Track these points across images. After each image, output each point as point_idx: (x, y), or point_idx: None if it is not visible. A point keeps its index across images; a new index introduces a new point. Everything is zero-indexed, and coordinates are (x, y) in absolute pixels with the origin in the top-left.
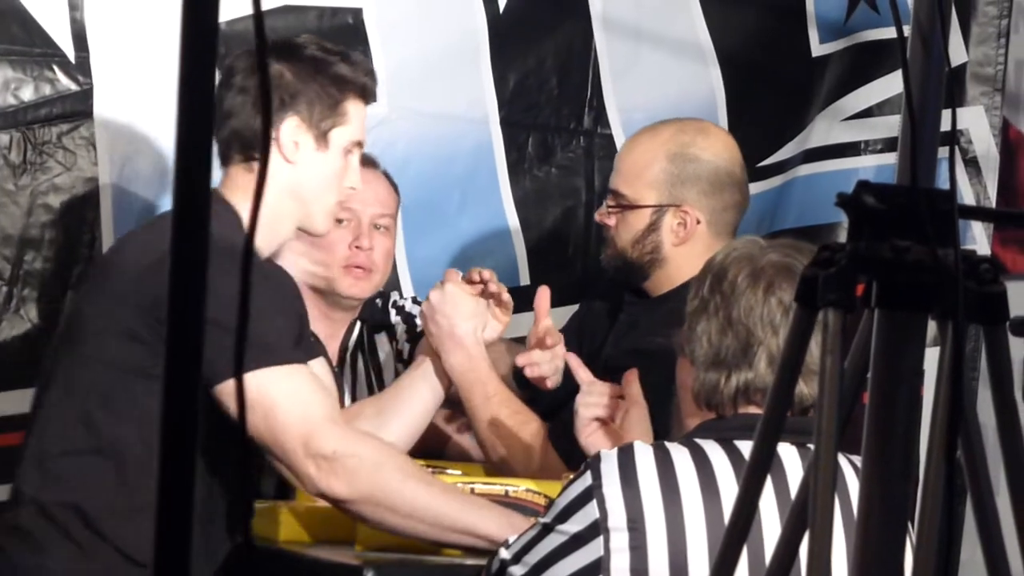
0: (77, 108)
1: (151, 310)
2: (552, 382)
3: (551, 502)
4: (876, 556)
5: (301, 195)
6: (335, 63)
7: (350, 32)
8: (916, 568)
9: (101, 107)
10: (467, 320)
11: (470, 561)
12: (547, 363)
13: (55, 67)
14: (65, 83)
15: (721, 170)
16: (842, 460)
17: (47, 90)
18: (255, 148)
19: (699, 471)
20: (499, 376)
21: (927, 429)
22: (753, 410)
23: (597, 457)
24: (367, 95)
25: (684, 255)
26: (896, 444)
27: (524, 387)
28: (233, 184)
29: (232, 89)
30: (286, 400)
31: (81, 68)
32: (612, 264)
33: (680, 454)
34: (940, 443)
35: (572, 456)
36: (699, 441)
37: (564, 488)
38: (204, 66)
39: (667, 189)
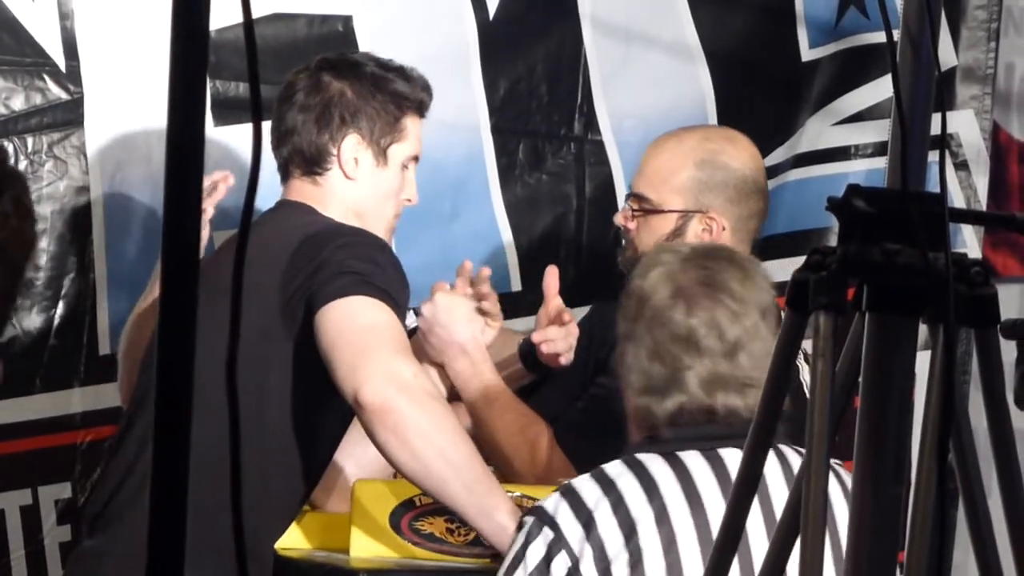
0: (68, 117)
1: None
2: (565, 359)
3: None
4: (869, 559)
5: (362, 211)
6: (394, 80)
7: (340, 39)
8: (909, 571)
9: (92, 116)
10: (465, 325)
11: (465, 565)
12: (562, 340)
13: (46, 76)
14: (56, 92)
15: (748, 179)
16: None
17: (38, 99)
18: (317, 164)
19: (645, 489)
20: (506, 365)
21: (919, 432)
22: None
23: (542, 511)
24: (424, 110)
25: None
26: (888, 447)
27: (533, 368)
28: (299, 196)
29: (294, 107)
30: (381, 326)
31: (72, 77)
32: (631, 266)
33: (625, 477)
34: (932, 446)
35: (578, 455)
36: (640, 457)
37: (513, 554)
38: (195, 74)
39: (694, 195)
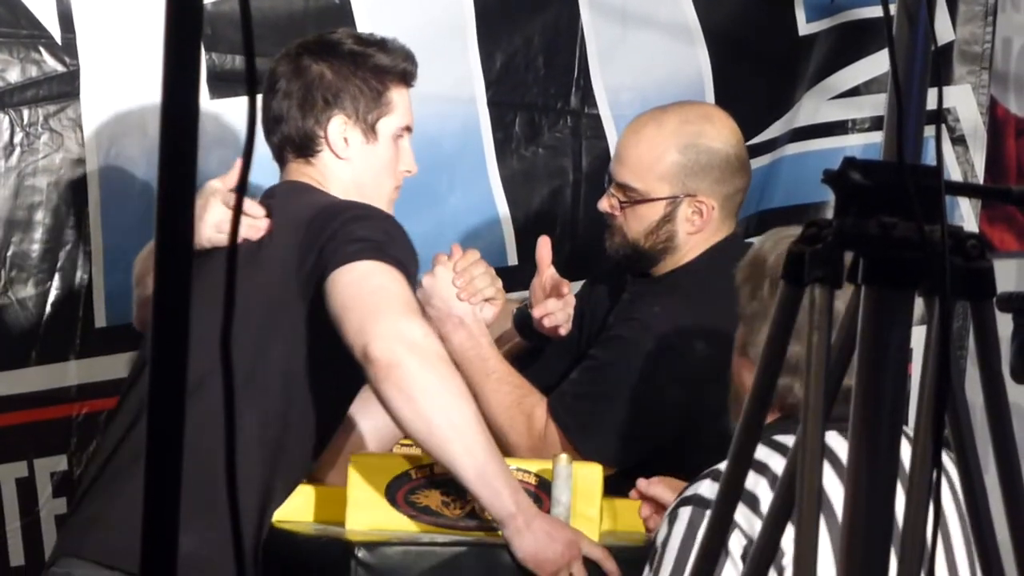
0: (64, 89)
1: None
2: (565, 330)
3: None
4: (865, 531)
5: (361, 188)
6: (373, 54)
7: (336, 12)
8: (904, 546)
9: (88, 88)
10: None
11: (460, 538)
12: (561, 311)
13: (42, 49)
14: (52, 64)
15: (731, 156)
16: (840, 439)
17: (34, 72)
18: (308, 148)
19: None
20: (505, 339)
21: (915, 406)
22: None
23: (699, 497)
24: (409, 79)
25: (696, 240)
26: (883, 421)
27: (529, 337)
28: (299, 177)
29: (277, 95)
30: (392, 288)
31: (68, 50)
32: (621, 253)
33: (774, 458)
34: (928, 420)
35: (570, 428)
36: (779, 439)
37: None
38: (190, 46)
39: (680, 180)
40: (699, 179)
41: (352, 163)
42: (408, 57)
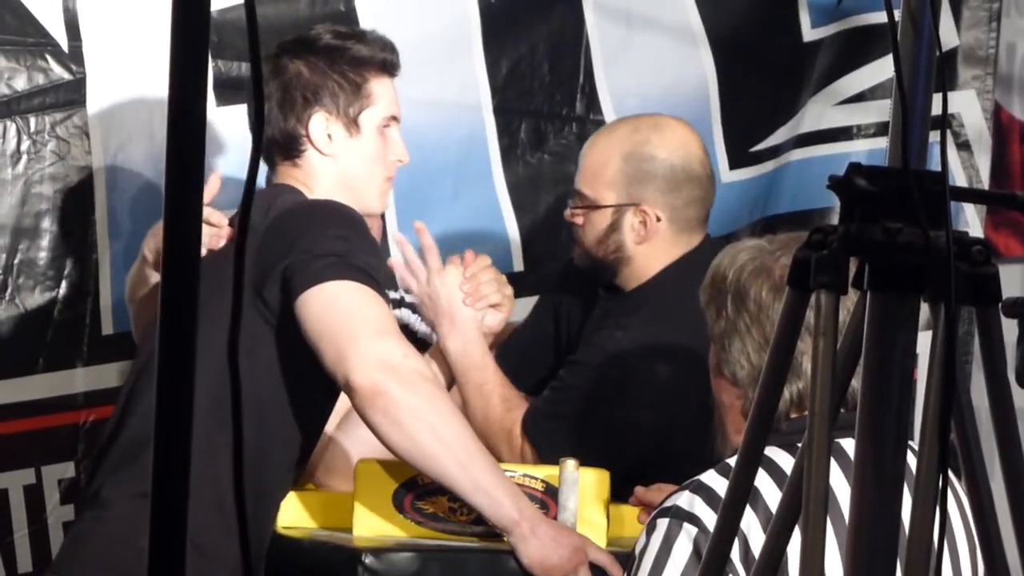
0: (71, 97)
1: None
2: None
3: None
4: (870, 537)
5: (350, 183)
6: (351, 47)
7: (341, 19)
8: (910, 552)
9: (94, 96)
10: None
11: (467, 544)
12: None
13: (48, 56)
14: (58, 72)
15: (677, 167)
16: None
17: (40, 79)
18: (292, 148)
19: (778, 484)
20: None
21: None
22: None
23: (677, 508)
24: (389, 69)
25: (647, 252)
26: (889, 426)
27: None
28: (284, 179)
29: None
30: (365, 309)
31: (74, 57)
32: (582, 263)
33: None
34: (933, 425)
35: (540, 447)
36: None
37: (654, 555)
38: (197, 53)
39: (624, 189)
40: (642, 187)
41: (337, 159)
42: (387, 47)
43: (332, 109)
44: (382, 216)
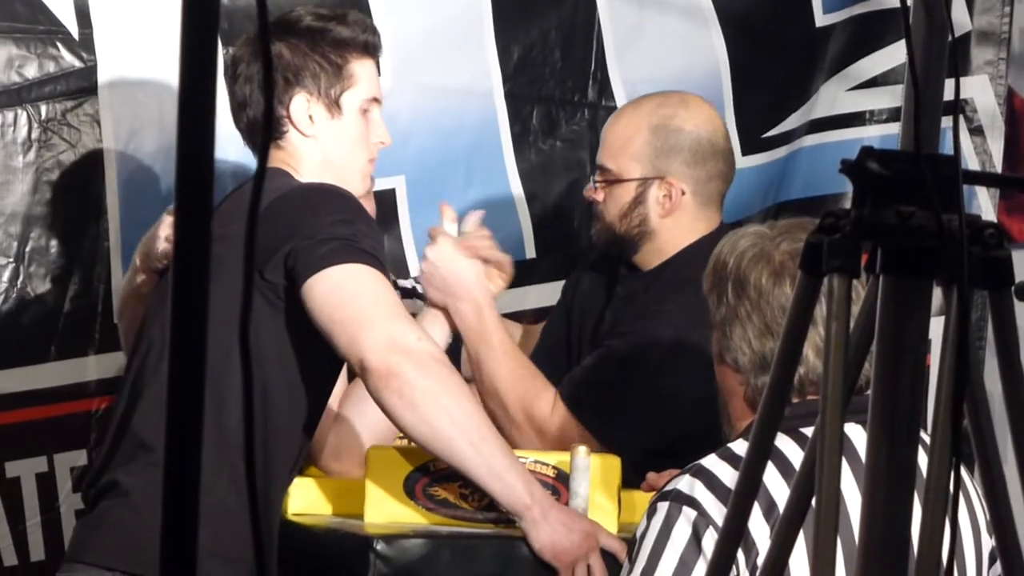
0: (81, 85)
1: None
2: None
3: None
4: (883, 524)
5: (332, 165)
6: (332, 28)
7: (352, 5)
8: (923, 535)
9: (105, 84)
10: (469, 268)
11: (478, 530)
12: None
13: (59, 44)
14: (69, 60)
15: (703, 140)
16: (858, 430)
17: (51, 67)
18: (275, 129)
19: (779, 468)
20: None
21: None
22: (810, 398)
23: (677, 492)
24: (371, 51)
25: (671, 226)
26: (902, 411)
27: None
28: (270, 162)
29: (239, 80)
30: (375, 292)
31: (85, 45)
32: (602, 238)
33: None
34: (946, 411)
35: (583, 411)
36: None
37: (654, 538)
38: (207, 41)
39: (650, 161)
40: (669, 160)
41: (319, 140)
42: (368, 28)
43: (313, 90)
44: (390, 202)
